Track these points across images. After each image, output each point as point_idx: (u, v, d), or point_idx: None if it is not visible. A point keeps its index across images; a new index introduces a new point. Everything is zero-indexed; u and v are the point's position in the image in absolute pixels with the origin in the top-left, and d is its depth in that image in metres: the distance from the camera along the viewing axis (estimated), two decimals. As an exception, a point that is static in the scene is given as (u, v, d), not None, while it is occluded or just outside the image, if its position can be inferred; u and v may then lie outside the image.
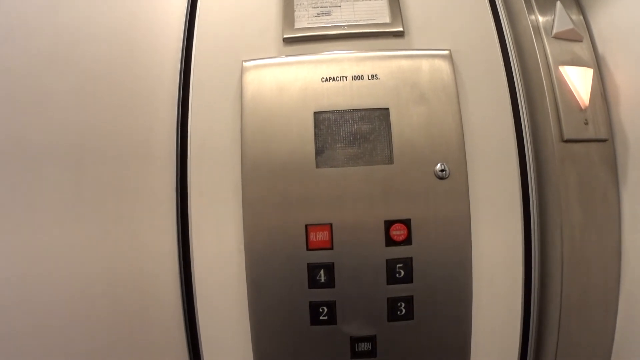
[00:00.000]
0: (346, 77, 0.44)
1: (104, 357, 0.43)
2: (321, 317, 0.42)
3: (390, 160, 0.42)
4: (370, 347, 0.42)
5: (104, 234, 0.43)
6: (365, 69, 0.44)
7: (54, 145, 0.44)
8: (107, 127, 0.45)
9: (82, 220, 0.43)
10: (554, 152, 0.45)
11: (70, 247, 0.42)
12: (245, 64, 0.45)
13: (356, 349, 0.42)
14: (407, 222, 0.42)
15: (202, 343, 0.44)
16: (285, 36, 0.48)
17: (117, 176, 0.44)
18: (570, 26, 0.47)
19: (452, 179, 0.42)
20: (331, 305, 0.42)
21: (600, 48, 0.48)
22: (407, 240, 0.42)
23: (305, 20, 0.48)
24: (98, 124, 0.45)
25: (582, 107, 0.46)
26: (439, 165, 0.42)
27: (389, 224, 0.42)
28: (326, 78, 0.44)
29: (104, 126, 0.45)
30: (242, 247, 0.43)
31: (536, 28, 0.48)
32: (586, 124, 0.45)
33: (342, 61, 0.45)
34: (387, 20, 0.48)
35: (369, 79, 0.44)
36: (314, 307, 0.42)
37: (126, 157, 0.45)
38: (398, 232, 0.42)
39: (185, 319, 0.44)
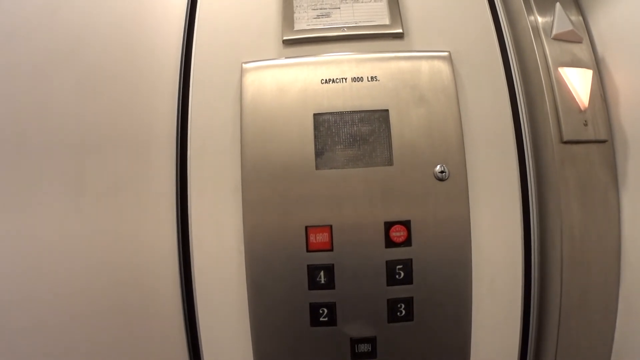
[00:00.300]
0: (346, 79, 0.44)
1: (104, 357, 0.43)
2: (321, 319, 0.42)
3: (389, 161, 0.43)
4: (370, 348, 0.42)
5: (103, 234, 0.43)
6: (365, 71, 0.44)
7: (55, 144, 0.44)
8: (107, 127, 0.45)
9: (82, 220, 0.43)
10: (554, 153, 0.45)
11: (70, 247, 0.42)
12: (244, 65, 0.45)
13: (356, 350, 0.42)
14: (407, 224, 0.42)
15: (202, 343, 0.44)
16: (284, 38, 0.48)
17: (117, 176, 0.44)
18: (570, 27, 0.47)
19: (451, 181, 0.42)
20: (331, 307, 0.42)
21: (600, 49, 0.48)
22: (407, 242, 0.42)
23: (305, 22, 0.48)
24: (98, 123, 0.45)
25: (582, 108, 0.46)
26: (438, 166, 0.42)
27: (388, 225, 0.42)
28: (326, 80, 0.44)
29: (104, 126, 0.45)
30: (242, 247, 0.43)
31: (535, 29, 0.48)
32: (586, 125, 0.45)
33: (342, 63, 0.45)
34: (387, 21, 0.48)
35: (368, 80, 0.44)
36: (314, 309, 0.42)
37: (127, 157, 0.45)
38: (398, 234, 0.42)
39: (185, 319, 0.44)
